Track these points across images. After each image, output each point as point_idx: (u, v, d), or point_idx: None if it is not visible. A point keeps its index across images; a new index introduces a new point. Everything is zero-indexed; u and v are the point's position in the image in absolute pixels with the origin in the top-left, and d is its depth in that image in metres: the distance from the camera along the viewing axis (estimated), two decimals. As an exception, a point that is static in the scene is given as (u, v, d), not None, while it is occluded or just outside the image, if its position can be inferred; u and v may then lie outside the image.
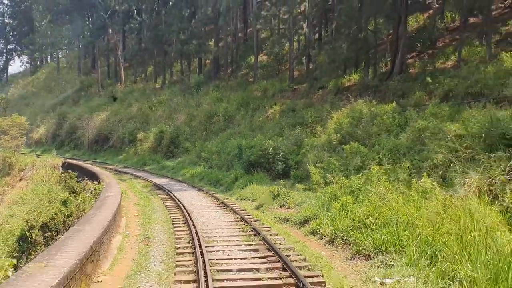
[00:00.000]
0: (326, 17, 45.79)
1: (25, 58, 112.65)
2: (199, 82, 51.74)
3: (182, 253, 11.58)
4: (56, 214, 21.26)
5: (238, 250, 11.73)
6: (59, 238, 12.89)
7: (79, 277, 8.61)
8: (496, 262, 8.29)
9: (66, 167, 41.27)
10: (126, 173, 35.47)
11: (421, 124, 19.84)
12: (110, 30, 67.65)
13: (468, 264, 8.69)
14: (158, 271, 10.35)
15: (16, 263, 9.57)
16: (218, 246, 12.11)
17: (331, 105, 31.48)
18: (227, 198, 21.83)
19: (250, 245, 12.20)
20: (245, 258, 10.95)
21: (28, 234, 21.65)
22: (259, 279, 9.35)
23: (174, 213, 17.94)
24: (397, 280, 9.34)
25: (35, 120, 66.39)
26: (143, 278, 9.88)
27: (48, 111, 72.14)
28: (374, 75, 34.58)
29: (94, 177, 27.86)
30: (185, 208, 18.09)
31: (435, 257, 9.92)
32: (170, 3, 57.86)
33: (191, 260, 10.78)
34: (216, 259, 10.70)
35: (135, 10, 63.22)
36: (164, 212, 18.72)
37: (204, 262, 10.04)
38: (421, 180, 13.90)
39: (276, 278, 9.36)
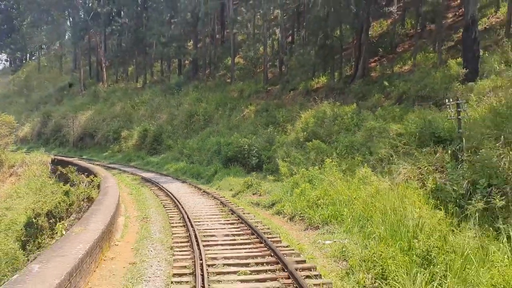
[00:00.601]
0: (298, 22, 49.50)
1: (4, 56, 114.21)
2: (179, 82, 55.11)
3: (176, 226, 15.18)
4: (59, 203, 24.64)
5: (218, 223, 15.39)
6: (80, 216, 16.27)
7: (105, 238, 12.12)
8: (395, 224, 12.06)
9: (56, 163, 44.19)
10: (114, 168, 38.68)
11: (371, 125, 23.74)
12: (92, 31, 70.25)
13: (382, 227, 12.42)
14: (159, 238, 13.91)
15: (65, 225, 12.85)
16: (203, 221, 15.72)
17: (301, 106, 35.23)
18: (208, 188, 25.40)
19: (227, 220, 15.89)
20: (224, 228, 14.60)
21: (34, 220, 25.00)
22: (234, 240, 13.00)
23: (164, 200, 21.48)
24: (334, 241, 13.03)
25: (20, 119, 68.86)
26: (149, 242, 13.42)
27: (32, 109, 74.63)
28: (339, 78, 38.47)
29: (87, 171, 30.98)
30: (173, 196, 21.65)
31: (364, 226, 13.61)
32: (151, 7, 60.86)
33: (183, 231, 14.37)
34: (203, 229, 14.30)
35: (116, 13, 66.12)
36: (156, 199, 22.23)
37: (194, 231, 13.64)
38: (362, 170, 17.70)
39: (247, 239, 13.00)
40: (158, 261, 11.22)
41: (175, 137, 43.28)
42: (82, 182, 27.57)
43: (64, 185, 29.21)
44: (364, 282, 9.24)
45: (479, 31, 35.72)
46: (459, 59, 29.91)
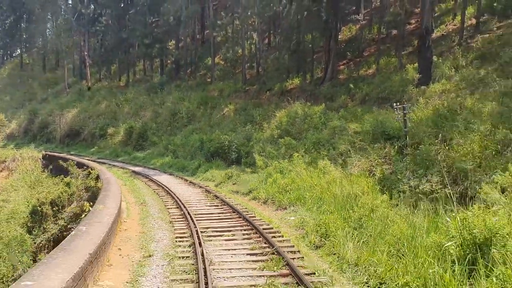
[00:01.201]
0: (274, 27, 53.26)
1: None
2: (162, 82, 58.50)
3: (171, 208, 18.82)
4: (62, 193, 28.11)
5: (205, 206, 19.09)
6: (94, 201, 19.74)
7: (118, 215, 15.70)
8: (342, 203, 15.89)
9: (48, 158, 47.28)
10: (103, 163, 41.89)
11: (334, 124, 27.65)
12: (76, 31, 73.05)
13: (332, 206, 16.21)
14: (159, 216, 17.53)
15: (90, 205, 16.30)
16: (193, 204, 19.36)
17: (276, 106, 38.98)
18: (193, 179, 29.00)
19: (213, 203, 19.61)
20: (210, 209, 18.33)
21: (39, 208, 28.40)
22: (219, 216, 16.70)
23: (156, 189, 25.06)
24: (297, 217, 16.77)
25: (6, 116, 71.33)
26: (151, 219, 17.01)
27: (17, 107, 77.11)
28: (310, 80, 42.35)
29: (83, 165, 34.23)
30: (164, 185, 25.25)
31: (320, 206, 17.35)
32: (134, 9, 63.94)
33: (178, 211, 18.03)
34: (193, 210, 17.95)
35: (100, 14, 69.05)
36: (148, 189, 25.79)
37: (187, 210, 17.30)
38: (323, 162, 21.55)
39: (229, 216, 16.70)
40: (162, 231, 14.88)
41: (160, 134, 46.71)
42: (79, 175, 30.92)
43: (57, 179, 32.67)
44: (314, 241, 13.00)
45: (437, 37, 40.08)
46: (416, 64, 33.92)
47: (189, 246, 12.39)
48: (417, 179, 17.45)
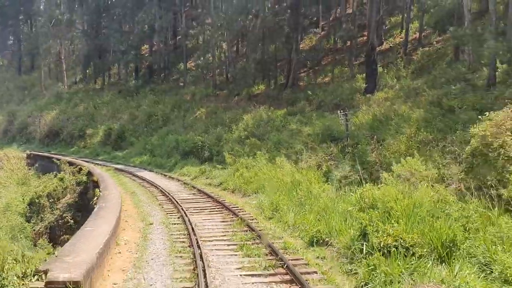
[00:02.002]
0: (242, 37, 58.30)
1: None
2: (137, 86, 62.96)
3: (158, 195, 23.73)
4: (56, 187, 32.62)
5: (186, 194, 24.07)
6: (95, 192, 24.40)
7: (120, 197, 20.52)
8: (291, 189, 21.05)
9: (33, 157, 51.35)
10: (86, 161, 46.17)
11: (292, 127, 32.89)
12: (53, 36, 76.65)
13: (284, 191, 21.34)
14: (149, 201, 22.38)
15: (100, 191, 20.94)
16: (175, 193, 24.26)
17: (243, 110, 43.96)
18: (171, 175, 33.83)
19: (191, 192, 24.63)
20: (189, 195, 23.30)
21: (37, 200, 32.86)
22: (198, 200, 21.70)
23: (141, 182, 29.86)
24: (257, 201, 21.84)
25: (-17, 117, 74.80)
26: (143, 203, 21.83)
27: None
28: (274, 87, 47.58)
29: (71, 163, 38.55)
30: (147, 179, 30.05)
31: (276, 192, 22.42)
32: (110, 18, 68.19)
33: (164, 198, 22.93)
34: (176, 196, 22.83)
35: (76, 21, 73.05)
36: (134, 182, 30.54)
37: (171, 197, 22.24)
38: (280, 159, 26.73)
39: (205, 200, 21.72)
40: (155, 210, 19.79)
41: (137, 135, 51.25)
42: (71, 172, 35.37)
43: (51, 175, 36.99)
44: (267, 214, 18.09)
45: (386, 49, 45.78)
46: (365, 74, 39.41)
47: (178, 218, 17.39)
48: (347, 170, 22.77)
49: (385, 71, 39.58)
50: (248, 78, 49.33)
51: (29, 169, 47.52)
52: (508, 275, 8.99)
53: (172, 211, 19.02)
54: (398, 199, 12.80)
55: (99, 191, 20.41)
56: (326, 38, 54.11)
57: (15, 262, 8.15)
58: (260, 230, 14.68)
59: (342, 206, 15.25)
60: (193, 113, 50.26)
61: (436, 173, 19.98)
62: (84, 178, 31.41)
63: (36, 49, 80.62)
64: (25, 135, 67.19)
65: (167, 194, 23.28)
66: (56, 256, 8.85)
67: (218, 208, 19.39)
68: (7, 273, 7.71)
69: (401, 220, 11.47)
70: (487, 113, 18.73)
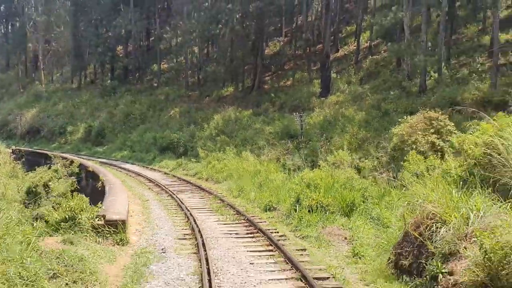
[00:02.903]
0: (212, 42, 64.04)
1: None
2: (114, 86, 68.06)
3: (145, 182, 29.35)
4: (51, 177, 37.80)
5: (168, 181, 29.78)
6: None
7: (120, 181, 26.12)
8: (253, 176, 27.02)
9: (18, 153, 55.89)
10: (76, 156, 51.22)
11: (256, 126, 38.88)
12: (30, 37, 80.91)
13: (248, 178, 27.25)
14: (139, 186, 27.96)
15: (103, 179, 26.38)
16: (159, 180, 29.88)
17: (214, 110, 49.69)
18: (152, 167, 39.37)
19: (172, 180, 30.40)
20: (172, 182, 29.03)
21: (34, 189, 37.94)
22: (180, 185, 27.48)
23: (127, 173, 35.35)
24: (227, 186, 27.68)
25: (-37, 115, 78.55)
26: (135, 188, 27.38)
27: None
28: (242, 89, 53.46)
29: (62, 158, 43.56)
30: (131, 170, 35.60)
31: (241, 179, 28.29)
32: (88, 21, 72.92)
33: (151, 183, 28.58)
34: (161, 183, 28.48)
35: (54, 22, 77.50)
36: (120, 173, 35.96)
37: (157, 183, 27.94)
38: (245, 153, 32.67)
39: (186, 185, 27.50)
40: (146, 192, 25.45)
41: (116, 132, 56.43)
42: (64, 165, 40.51)
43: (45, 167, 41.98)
44: (235, 194, 24.00)
45: (340, 56, 52.09)
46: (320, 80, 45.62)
47: (167, 196, 23.20)
48: (297, 160, 28.90)
49: (338, 77, 45.94)
50: (218, 81, 55.12)
51: (17, 163, 52.07)
52: (386, 221, 14.95)
53: (161, 192, 24.79)
54: (323, 178, 18.92)
55: (103, 177, 25.93)
56: (289, 44, 60.25)
57: (82, 211, 13.73)
58: (229, 202, 20.60)
59: (288, 185, 21.31)
60: (168, 112, 55.72)
61: (371, 164, 26.37)
62: (76, 169, 36.64)
63: (15, 48, 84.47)
64: (6, 132, 71.32)
65: (153, 181, 28.98)
66: (104, 209, 14.54)
67: (196, 190, 25.25)
68: (81, 216, 13.29)
69: (322, 190, 17.55)
70: (404, 117, 25.13)
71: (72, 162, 39.04)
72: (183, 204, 19.96)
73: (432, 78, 36.64)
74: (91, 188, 29.75)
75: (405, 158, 19.39)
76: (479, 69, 35.98)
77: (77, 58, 75.82)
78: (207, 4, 56.51)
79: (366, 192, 17.58)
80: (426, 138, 20.69)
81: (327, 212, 16.18)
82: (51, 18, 77.60)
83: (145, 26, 68.68)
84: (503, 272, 7.51)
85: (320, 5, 50.44)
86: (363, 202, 16.97)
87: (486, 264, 7.73)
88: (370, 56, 48.18)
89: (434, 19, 44.18)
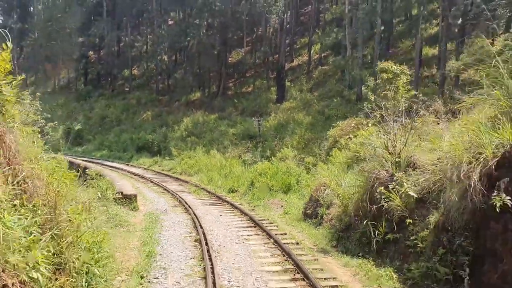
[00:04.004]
0: (180, 52, 71.25)
1: None
2: (88, 90, 74.53)
3: (130, 176, 36.52)
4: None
5: (149, 174, 37.02)
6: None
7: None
8: (220, 169, 34.62)
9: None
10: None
11: (222, 128, 46.45)
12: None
13: (215, 171, 34.77)
14: (126, 179, 35.14)
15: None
16: (141, 174, 37.06)
17: (183, 113, 56.92)
18: (131, 164, 46.38)
19: (152, 173, 37.65)
20: (152, 175, 36.32)
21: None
22: (160, 177, 34.79)
23: (110, 169, 42.30)
24: (198, 178, 35.13)
25: None
26: (124, 180, 34.57)
27: None
28: (208, 94, 60.88)
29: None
30: (114, 167, 42.62)
31: (209, 172, 35.76)
32: (63, 30, 79.05)
33: (137, 177, 35.79)
34: (144, 175, 35.71)
35: (29, 29, 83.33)
36: (105, 169, 42.93)
37: (141, 175, 35.19)
38: (212, 151, 40.21)
39: (165, 178, 34.84)
40: (135, 183, 32.60)
41: (93, 134, 63.02)
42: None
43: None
44: (206, 182, 31.47)
45: (295, 66, 59.91)
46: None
47: (153, 184, 30.52)
48: (253, 156, 36.58)
49: (292, 85, 53.89)
50: (186, 87, 62.42)
51: None
52: (307, 194, 22.66)
53: (146, 182, 32.09)
54: (270, 168, 26.69)
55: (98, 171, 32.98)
56: (250, 53, 67.88)
57: (107, 188, 20.99)
58: (203, 187, 28.10)
59: (246, 174, 28.94)
60: (141, 115, 62.68)
61: (314, 159, 34.10)
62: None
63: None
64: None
65: (136, 174, 36.20)
66: (118, 189, 21.85)
67: (175, 180, 32.66)
68: (107, 192, 20.55)
69: (269, 176, 25.27)
70: (339, 122, 33.05)
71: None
72: (167, 189, 27.38)
73: (369, 87, 44.81)
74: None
75: (331, 153, 27.25)
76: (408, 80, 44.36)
77: (51, 64, 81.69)
78: (176, 18, 63.69)
79: (299, 177, 25.36)
80: (346, 139, 28.53)
81: (272, 191, 23.91)
82: (26, 25, 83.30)
83: (116, 34, 75.29)
84: (350, 207, 15.29)
85: (277, 22, 58.12)
86: (297, 183, 24.75)
87: (341, 204, 15.57)
88: (320, 67, 56.32)
89: (377, 32, 52.47)
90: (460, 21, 39.80)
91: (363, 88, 43.27)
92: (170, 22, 74.31)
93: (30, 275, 5.98)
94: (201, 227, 15.87)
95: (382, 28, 49.37)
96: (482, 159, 8.75)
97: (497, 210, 7.79)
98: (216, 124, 49.94)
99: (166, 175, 36.02)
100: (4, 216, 6.03)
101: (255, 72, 62.71)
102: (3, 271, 5.65)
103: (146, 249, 13.00)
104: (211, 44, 59.41)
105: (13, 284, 5.70)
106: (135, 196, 20.99)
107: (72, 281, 7.93)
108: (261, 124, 42.17)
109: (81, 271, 8.51)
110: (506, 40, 25.99)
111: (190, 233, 15.60)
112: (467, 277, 8.67)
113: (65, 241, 7.84)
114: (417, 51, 42.69)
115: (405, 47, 53.06)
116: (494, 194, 7.97)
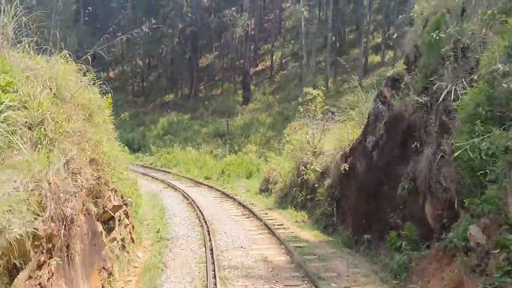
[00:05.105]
0: (156, 57, 79.01)
1: None
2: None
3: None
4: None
5: (135, 168, 44.89)
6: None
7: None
8: (194, 162, 42.92)
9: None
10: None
11: (195, 128, 54.66)
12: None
13: (191, 164, 42.98)
14: (118, 171, 43.08)
15: None
16: (130, 168, 45.06)
17: (159, 114, 64.76)
18: (116, 160, 54.12)
19: (137, 167, 45.66)
20: (138, 168, 44.39)
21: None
22: (145, 170, 42.88)
23: (101, 164, 50.18)
24: (177, 170, 43.28)
25: None
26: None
27: None
28: (181, 96, 68.83)
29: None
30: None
31: (186, 165, 43.92)
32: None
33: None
34: (130, 168, 43.73)
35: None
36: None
37: (130, 168, 43.27)
38: (188, 148, 48.42)
39: (149, 169, 42.92)
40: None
41: (74, 133, 70.29)
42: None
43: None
44: (184, 173, 39.69)
45: (259, 70, 68.30)
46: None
47: (141, 174, 38.53)
48: (223, 151, 45.01)
49: (256, 88, 62.28)
50: (161, 90, 70.30)
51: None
52: (262, 177, 31.10)
53: (134, 173, 40.10)
54: (237, 159, 35.13)
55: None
56: (219, 57, 75.98)
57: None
58: (183, 176, 36.31)
59: (218, 165, 37.28)
60: (119, 116, 70.09)
61: (274, 153, 42.53)
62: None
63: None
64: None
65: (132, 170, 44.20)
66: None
67: (159, 172, 40.77)
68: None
69: (236, 166, 33.70)
70: (291, 123, 41.61)
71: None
72: (154, 177, 35.56)
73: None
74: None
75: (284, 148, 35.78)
76: (354, 85, 53.25)
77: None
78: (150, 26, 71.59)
79: (259, 166, 33.85)
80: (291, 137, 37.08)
81: (238, 177, 32.35)
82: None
83: (94, 41, 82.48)
84: (287, 182, 23.80)
85: (242, 31, 66.39)
86: (257, 171, 33.22)
87: (282, 180, 24.13)
88: (281, 72, 64.78)
89: (328, 44, 61.30)
90: (395, 35, 48.89)
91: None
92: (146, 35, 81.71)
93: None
94: (190, 198, 24.24)
95: (333, 38, 58.35)
96: (343, 147, 17.38)
97: (343, 172, 16.38)
98: (190, 123, 57.97)
99: (150, 168, 44.06)
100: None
101: (223, 76, 70.76)
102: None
103: (157, 207, 21.31)
104: (183, 51, 67.38)
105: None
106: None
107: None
108: (229, 124, 50.46)
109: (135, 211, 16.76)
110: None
111: (183, 200, 24.00)
112: (335, 208, 17.28)
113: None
114: (361, 61, 51.75)
115: (354, 55, 61.79)
116: (344, 165, 16.53)
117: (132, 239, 14.00)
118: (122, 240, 12.65)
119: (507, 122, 8.29)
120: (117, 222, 12.40)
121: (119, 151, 14.44)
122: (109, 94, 15.62)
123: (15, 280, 7.08)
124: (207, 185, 30.11)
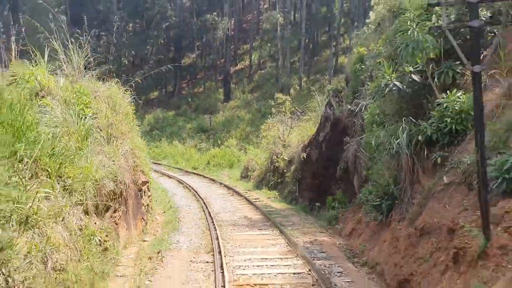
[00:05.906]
0: (142, 58, 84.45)
1: None
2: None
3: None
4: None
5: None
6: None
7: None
8: (180, 154, 48.87)
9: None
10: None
11: (179, 123, 60.52)
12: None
13: (178, 156, 48.90)
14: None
15: None
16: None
17: (145, 110, 70.26)
18: (107, 154, 59.75)
19: (130, 159, 51.53)
20: (131, 161, 50.27)
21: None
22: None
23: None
24: (166, 163, 49.14)
25: None
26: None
27: None
28: (165, 94, 74.51)
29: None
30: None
31: (174, 158, 49.82)
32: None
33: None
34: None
35: None
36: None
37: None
38: (174, 142, 54.30)
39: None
40: (120, 165, 46.47)
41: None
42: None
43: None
44: (173, 164, 45.56)
45: (239, 69, 74.30)
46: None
47: (136, 166, 44.39)
48: (207, 145, 51.05)
49: (236, 87, 68.25)
50: (146, 88, 75.84)
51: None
52: (242, 166, 37.22)
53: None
54: (220, 152, 41.18)
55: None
56: (200, 57, 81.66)
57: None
58: (173, 166, 42.21)
59: (203, 158, 43.25)
60: (107, 112, 75.56)
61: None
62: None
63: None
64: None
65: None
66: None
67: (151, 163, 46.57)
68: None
69: (219, 158, 39.77)
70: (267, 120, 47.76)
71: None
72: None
73: (295, 91, 59.67)
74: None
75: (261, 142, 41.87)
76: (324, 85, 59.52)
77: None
78: (136, 28, 77.16)
79: (240, 158, 39.91)
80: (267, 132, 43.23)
81: (221, 167, 38.40)
82: None
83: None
84: (263, 169, 29.95)
85: (223, 34, 72.22)
86: (238, 162, 39.27)
87: (259, 168, 30.32)
88: (259, 71, 70.79)
89: (302, 47, 67.55)
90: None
91: (291, 91, 58.17)
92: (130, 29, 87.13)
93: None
94: (185, 182, 30.29)
95: (307, 41, 64.62)
96: (304, 141, 23.60)
97: (303, 159, 22.58)
98: (175, 120, 63.71)
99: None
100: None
101: (205, 75, 76.55)
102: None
103: (159, 189, 27.31)
104: (167, 51, 73.01)
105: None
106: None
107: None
108: (212, 120, 56.40)
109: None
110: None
111: (179, 184, 30.06)
112: (297, 186, 23.50)
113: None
114: (332, 62, 58.00)
115: (326, 56, 68.01)
116: (303, 154, 22.69)
117: (151, 206, 20.07)
118: (147, 205, 18.71)
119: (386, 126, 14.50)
120: (143, 193, 18.43)
121: (142, 144, 19.82)
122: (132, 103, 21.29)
123: (106, 214, 13.11)
124: (196, 174, 36.17)
